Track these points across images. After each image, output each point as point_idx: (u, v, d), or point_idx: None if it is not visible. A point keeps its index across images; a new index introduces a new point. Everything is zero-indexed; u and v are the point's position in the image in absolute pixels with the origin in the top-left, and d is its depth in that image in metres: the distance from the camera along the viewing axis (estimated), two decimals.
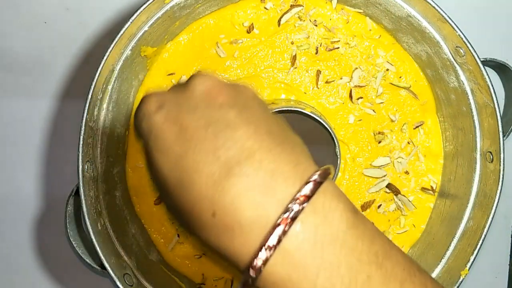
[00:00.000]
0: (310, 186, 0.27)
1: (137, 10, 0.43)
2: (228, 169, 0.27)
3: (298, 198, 0.26)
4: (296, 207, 0.26)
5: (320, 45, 0.51)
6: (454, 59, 0.48)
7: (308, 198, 0.26)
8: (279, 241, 0.26)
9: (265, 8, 0.51)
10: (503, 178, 0.46)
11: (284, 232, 0.26)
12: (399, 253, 0.28)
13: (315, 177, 0.27)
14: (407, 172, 0.52)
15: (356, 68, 0.51)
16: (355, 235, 0.27)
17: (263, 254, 0.26)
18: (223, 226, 0.27)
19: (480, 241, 0.46)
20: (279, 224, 0.26)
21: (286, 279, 0.26)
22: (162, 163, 0.29)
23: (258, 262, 0.26)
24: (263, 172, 0.27)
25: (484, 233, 0.47)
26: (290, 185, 0.27)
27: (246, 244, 0.27)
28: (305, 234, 0.26)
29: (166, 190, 0.29)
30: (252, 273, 0.26)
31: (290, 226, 0.26)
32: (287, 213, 0.26)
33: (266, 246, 0.26)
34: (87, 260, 0.46)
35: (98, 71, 0.43)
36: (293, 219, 0.26)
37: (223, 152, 0.27)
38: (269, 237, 0.26)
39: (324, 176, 0.27)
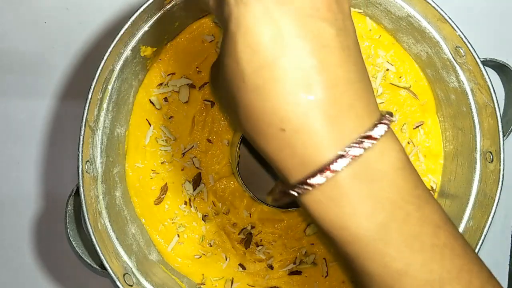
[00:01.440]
0: (382, 128, 0.28)
1: (137, 10, 0.43)
2: (311, 90, 0.27)
3: (365, 137, 0.27)
4: (360, 145, 0.27)
5: None
6: (454, 59, 0.48)
7: (373, 139, 0.27)
8: (333, 170, 0.27)
9: None
10: (503, 178, 0.46)
11: (341, 165, 0.27)
12: (436, 203, 0.30)
13: (387, 121, 0.28)
14: None
15: None
16: (402, 175, 0.28)
17: (316, 180, 0.27)
18: (287, 143, 0.27)
19: (480, 241, 0.46)
20: (339, 157, 0.27)
21: (330, 202, 0.28)
22: (247, 60, 0.27)
23: (313, 182, 0.27)
24: (342, 104, 0.27)
25: (484, 233, 0.47)
26: (361, 122, 0.28)
27: (303, 166, 0.27)
28: (360, 168, 0.27)
29: (237, 87, 0.28)
30: (301, 190, 0.28)
31: (348, 161, 0.27)
32: (350, 149, 0.27)
33: (320, 173, 0.27)
34: (87, 260, 0.46)
35: (98, 71, 0.43)
36: (354, 155, 0.27)
37: (313, 75, 0.27)
38: (326, 166, 0.27)
39: (390, 119, 0.29)
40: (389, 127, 0.28)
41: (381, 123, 0.28)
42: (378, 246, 0.28)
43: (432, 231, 0.29)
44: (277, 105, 0.27)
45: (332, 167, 0.27)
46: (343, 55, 0.27)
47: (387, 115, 0.29)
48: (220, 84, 0.30)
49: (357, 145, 0.27)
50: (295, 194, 0.28)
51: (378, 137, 0.28)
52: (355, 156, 0.27)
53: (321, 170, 0.27)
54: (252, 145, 0.30)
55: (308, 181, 0.27)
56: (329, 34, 0.27)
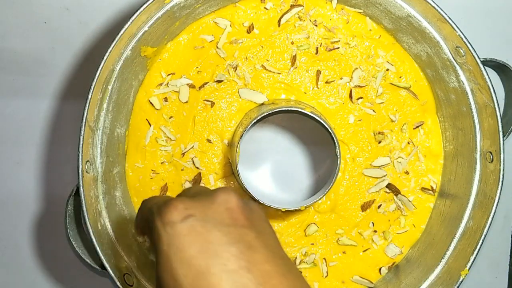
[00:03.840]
0: None
1: (137, 10, 0.43)
2: None
3: None
4: None
5: (320, 45, 0.51)
6: (454, 59, 0.48)
7: None
8: None
9: (265, 8, 0.51)
10: (503, 178, 0.46)
11: None
12: None
13: None
14: (407, 172, 0.52)
15: (356, 68, 0.51)
16: None
17: None
18: None
19: (480, 241, 0.47)
20: None
21: None
22: (182, 274, 0.29)
23: None
24: None
25: (484, 233, 0.47)
26: None
27: None
28: None
29: None
30: None
31: None
32: None
33: None
34: (87, 260, 0.46)
35: (98, 71, 0.43)
36: None
37: (244, 273, 0.29)
38: None
39: None
40: None
41: None
42: None
43: None
44: None
45: None
46: (268, 253, 0.30)
47: None
48: None
49: None
50: None
51: None
52: None
53: None
54: None
55: None
56: (250, 236, 0.30)
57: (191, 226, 0.30)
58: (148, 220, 0.32)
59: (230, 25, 0.50)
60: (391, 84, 0.52)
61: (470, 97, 0.49)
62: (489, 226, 0.46)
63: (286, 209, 0.49)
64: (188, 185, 0.51)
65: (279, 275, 0.29)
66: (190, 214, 0.30)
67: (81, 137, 0.43)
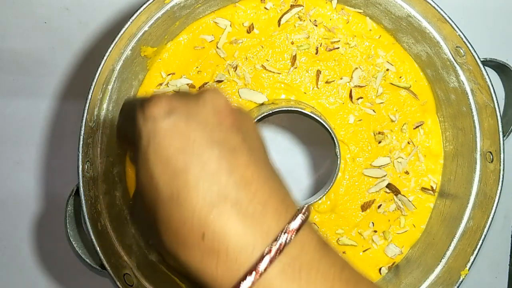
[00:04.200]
0: (298, 220, 0.28)
1: (137, 10, 0.43)
2: (225, 194, 0.27)
3: (285, 231, 0.27)
4: (283, 239, 0.27)
5: (320, 45, 0.51)
6: (454, 59, 0.48)
7: (293, 232, 0.28)
8: (265, 269, 0.27)
9: (265, 8, 0.51)
10: (503, 178, 0.46)
11: (270, 262, 0.27)
12: (366, 280, 0.30)
13: (303, 212, 0.29)
14: (407, 172, 0.52)
15: (356, 68, 0.51)
16: (328, 263, 0.28)
17: (248, 282, 0.26)
18: (210, 249, 0.27)
19: (480, 241, 0.47)
20: (265, 254, 0.27)
21: None
22: (159, 172, 0.28)
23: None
24: (257, 202, 0.28)
25: (484, 233, 0.47)
26: (278, 217, 0.28)
27: (230, 271, 0.27)
28: (285, 263, 0.27)
29: (154, 201, 0.28)
30: None
31: (276, 256, 0.27)
32: (273, 245, 0.27)
33: (249, 274, 0.26)
34: (87, 260, 0.46)
35: (98, 71, 0.43)
36: (280, 249, 0.27)
37: (225, 176, 0.27)
38: (253, 267, 0.26)
39: (307, 213, 0.29)
40: (306, 219, 0.29)
41: (297, 216, 0.28)
42: None
43: None
44: (193, 211, 0.27)
45: (257, 268, 0.26)
46: (251, 157, 0.28)
47: (303, 209, 0.29)
48: (138, 206, 0.30)
49: (277, 241, 0.27)
50: None
51: (297, 229, 0.28)
52: (278, 251, 0.27)
53: (247, 274, 0.27)
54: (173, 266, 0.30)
55: (246, 277, 0.27)
56: (236, 139, 0.29)
57: (173, 122, 0.28)
58: (130, 118, 0.30)
59: (230, 25, 0.50)
60: (391, 84, 0.52)
61: (470, 97, 0.49)
62: (489, 226, 0.46)
63: None
64: None
65: (261, 181, 0.28)
66: (173, 109, 0.28)
67: (81, 137, 0.43)
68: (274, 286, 0.27)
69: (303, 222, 0.28)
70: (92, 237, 0.43)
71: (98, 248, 0.43)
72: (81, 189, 0.43)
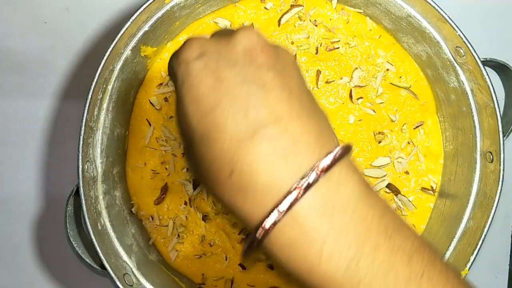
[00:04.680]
0: (329, 158, 0.27)
1: (137, 10, 0.43)
2: (253, 131, 0.27)
3: (315, 168, 0.27)
4: (311, 177, 0.27)
5: (320, 45, 0.51)
6: (454, 59, 0.48)
7: (325, 169, 0.27)
8: (290, 206, 0.26)
9: (265, 8, 0.51)
10: (503, 178, 0.46)
11: (296, 199, 0.26)
12: (409, 230, 0.29)
13: (336, 151, 0.28)
14: (407, 172, 0.52)
15: (356, 68, 0.51)
16: (366, 206, 0.27)
17: (272, 218, 0.27)
18: (238, 186, 0.27)
19: (480, 241, 0.47)
20: (292, 191, 0.26)
21: (292, 243, 0.27)
22: (192, 112, 0.28)
23: (267, 224, 0.27)
24: (287, 138, 0.27)
25: (484, 233, 0.47)
26: (309, 154, 0.27)
27: (258, 206, 0.27)
28: (316, 202, 0.27)
29: (191, 140, 0.29)
30: (259, 234, 0.27)
31: (303, 194, 0.26)
32: (302, 181, 0.26)
33: (276, 210, 0.26)
34: (87, 260, 0.46)
35: (98, 71, 0.43)
36: (307, 187, 0.26)
37: (253, 112, 0.27)
38: (281, 202, 0.26)
39: (344, 151, 0.28)
40: (344, 157, 0.28)
41: (329, 154, 0.27)
42: (352, 286, 0.27)
43: (406, 261, 0.27)
44: (221, 150, 0.27)
45: (282, 205, 0.26)
46: (283, 93, 0.28)
47: (343, 146, 0.28)
48: (187, 147, 0.31)
49: (305, 179, 0.26)
50: (258, 241, 0.27)
51: (327, 168, 0.27)
52: (306, 188, 0.26)
53: (274, 209, 0.26)
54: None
55: (265, 223, 0.27)
56: (267, 76, 0.28)
57: (204, 63, 0.29)
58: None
59: (230, 25, 0.50)
60: (391, 84, 0.52)
61: (470, 97, 0.49)
62: (489, 226, 0.46)
63: None
64: (188, 185, 0.51)
65: (293, 117, 0.28)
66: (204, 52, 0.29)
67: (81, 137, 0.43)
68: (302, 225, 0.27)
69: (336, 161, 0.27)
70: (92, 237, 0.43)
71: (98, 248, 0.43)
72: (81, 189, 0.43)
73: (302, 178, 0.27)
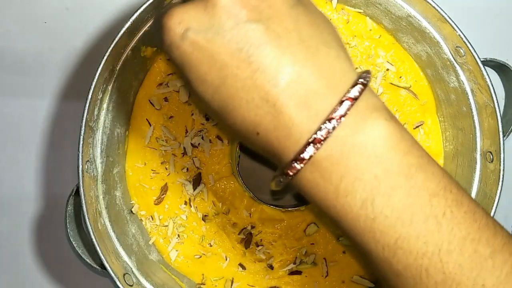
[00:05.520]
0: (344, 106, 0.27)
1: (137, 10, 0.43)
2: (265, 94, 0.28)
3: (332, 116, 0.27)
4: (329, 125, 0.27)
5: None
6: (454, 59, 0.48)
7: (339, 116, 0.27)
8: (310, 155, 0.28)
9: None
10: (503, 178, 0.46)
11: (315, 147, 0.28)
12: (437, 169, 0.29)
13: (350, 93, 0.28)
14: None
15: (356, 68, 0.51)
16: (387, 146, 0.28)
17: (295, 166, 0.28)
18: (266, 141, 0.29)
19: None
20: (310, 143, 0.28)
21: (313, 183, 0.29)
22: (202, 91, 0.29)
23: (292, 171, 0.29)
24: (299, 90, 0.28)
25: None
26: (324, 102, 0.28)
27: (283, 156, 0.29)
28: (333, 146, 0.28)
29: (212, 112, 0.30)
30: (285, 178, 0.29)
31: (322, 141, 0.27)
32: (319, 132, 0.27)
33: (297, 159, 0.28)
34: (87, 260, 0.46)
35: (98, 71, 0.43)
36: (326, 136, 0.27)
37: (259, 75, 0.27)
38: (301, 152, 0.28)
39: (362, 87, 0.28)
40: (359, 96, 0.28)
41: (347, 98, 0.28)
42: (366, 223, 0.28)
43: (426, 201, 0.28)
44: (243, 116, 0.29)
45: (303, 155, 0.28)
46: (281, 43, 0.28)
47: (358, 82, 0.28)
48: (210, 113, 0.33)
49: (323, 127, 0.27)
50: (287, 176, 0.29)
51: (344, 113, 0.27)
52: (323, 139, 0.27)
53: (296, 159, 0.28)
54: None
55: (288, 170, 0.29)
56: (258, 32, 0.27)
57: (191, 42, 0.28)
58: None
59: None
60: (391, 84, 0.52)
61: (470, 97, 0.49)
62: None
63: (286, 209, 0.49)
64: (188, 185, 0.51)
65: (299, 66, 0.28)
66: (186, 27, 0.28)
67: (81, 137, 0.43)
68: (321, 167, 0.28)
69: (352, 103, 0.28)
70: (92, 237, 0.43)
71: (98, 248, 0.43)
72: (81, 189, 0.43)
73: (322, 124, 0.27)
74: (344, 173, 0.28)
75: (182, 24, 0.28)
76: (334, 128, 0.27)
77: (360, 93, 0.28)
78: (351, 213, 0.28)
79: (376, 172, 0.27)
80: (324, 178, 0.28)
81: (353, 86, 0.28)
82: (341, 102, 0.28)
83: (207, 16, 0.28)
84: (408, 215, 0.27)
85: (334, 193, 0.28)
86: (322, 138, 0.27)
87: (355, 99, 0.28)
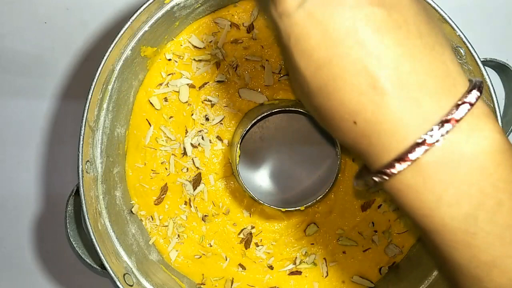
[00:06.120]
0: (462, 110, 0.26)
1: (137, 10, 0.43)
2: (374, 81, 0.26)
3: (444, 120, 0.26)
4: (443, 128, 0.26)
5: None
6: None
7: (455, 120, 0.26)
8: (417, 157, 0.26)
9: None
10: None
11: (422, 151, 0.26)
12: None
13: (467, 98, 0.26)
14: None
15: None
16: (496, 160, 0.26)
17: (397, 167, 0.26)
18: (362, 133, 0.27)
19: None
20: (419, 144, 0.26)
21: (412, 189, 0.27)
22: (304, 66, 0.27)
23: (391, 171, 0.26)
24: (411, 85, 0.26)
25: None
26: (437, 102, 0.26)
27: (382, 152, 0.27)
28: (443, 151, 0.26)
29: (308, 91, 0.28)
30: (380, 178, 0.27)
31: (431, 145, 0.26)
32: (430, 133, 0.26)
33: (401, 160, 0.26)
34: (87, 260, 0.46)
35: (98, 71, 0.43)
36: (438, 137, 0.26)
37: (371, 60, 0.26)
38: (408, 152, 0.26)
39: (479, 93, 0.27)
40: (475, 103, 0.26)
41: (464, 102, 0.26)
42: (465, 237, 0.26)
43: None
44: (343, 100, 0.27)
45: (410, 155, 0.26)
46: (399, 33, 0.26)
47: (475, 87, 0.26)
48: (300, 94, 0.30)
49: (436, 129, 0.26)
50: (383, 176, 0.27)
51: (460, 118, 0.26)
52: (435, 141, 0.26)
53: (399, 159, 0.26)
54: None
55: (387, 169, 0.27)
56: (379, 16, 0.26)
57: (308, 13, 0.26)
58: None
59: (230, 25, 0.50)
60: None
61: None
62: None
63: (286, 209, 0.49)
64: (188, 185, 0.51)
65: (413, 60, 0.26)
66: None
67: (81, 137, 0.43)
68: (426, 175, 0.26)
69: (467, 110, 0.26)
70: (92, 237, 0.43)
71: (98, 248, 0.43)
72: (81, 189, 0.43)
73: (435, 125, 0.26)
74: (450, 183, 0.26)
75: None
76: (447, 131, 0.26)
77: (477, 99, 0.26)
78: (449, 226, 0.27)
79: (484, 186, 0.26)
80: (426, 185, 0.26)
81: (470, 91, 0.26)
82: (457, 105, 0.26)
83: None
84: (509, 233, 0.26)
85: (435, 202, 0.26)
86: (434, 141, 0.25)
87: (471, 104, 0.26)
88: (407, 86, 0.26)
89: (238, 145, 0.48)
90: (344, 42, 0.26)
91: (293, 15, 0.27)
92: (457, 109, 0.26)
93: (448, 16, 0.46)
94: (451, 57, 0.28)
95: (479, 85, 0.27)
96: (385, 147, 0.27)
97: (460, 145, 0.26)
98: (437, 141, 0.26)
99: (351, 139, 0.28)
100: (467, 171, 0.26)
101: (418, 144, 0.26)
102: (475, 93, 0.26)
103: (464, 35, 0.46)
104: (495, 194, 0.26)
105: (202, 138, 0.51)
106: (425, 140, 0.26)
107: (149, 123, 0.50)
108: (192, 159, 0.51)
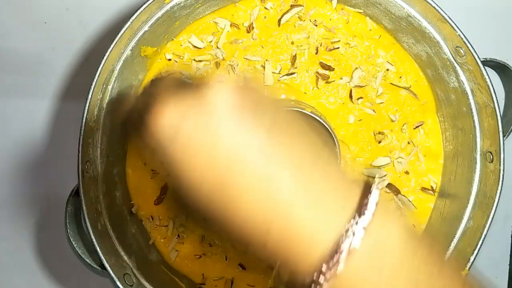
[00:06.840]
0: (367, 216, 0.27)
1: (137, 10, 0.43)
2: (274, 191, 0.27)
3: (352, 226, 0.26)
4: (352, 238, 0.26)
5: (320, 45, 0.51)
6: (454, 59, 0.48)
7: (364, 226, 0.26)
8: (330, 275, 0.26)
9: (265, 8, 0.51)
10: (503, 178, 0.46)
11: (336, 264, 0.26)
12: (457, 264, 0.29)
13: (369, 206, 0.27)
14: (407, 172, 0.52)
15: (356, 68, 0.51)
16: (410, 251, 0.27)
17: (320, 277, 0.26)
18: (278, 240, 0.27)
19: (480, 241, 0.46)
20: (334, 254, 0.26)
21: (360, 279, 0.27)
22: (198, 186, 0.27)
23: (319, 279, 0.27)
24: (313, 194, 0.27)
25: (484, 233, 0.46)
26: (341, 210, 0.27)
27: (303, 260, 0.27)
28: (360, 260, 0.26)
29: (204, 206, 0.28)
30: (308, 285, 0.27)
31: (345, 253, 0.26)
32: (344, 240, 0.26)
33: (322, 270, 0.26)
34: (87, 260, 0.46)
35: (98, 71, 0.43)
36: (349, 249, 0.26)
37: (266, 184, 0.27)
38: (327, 261, 0.26)
39: (373, 199, 0.27)
40: (375, 207, 0.27)
41: (364, 213, 0.27)
42: None
43: None
44: (249, 215, 0.27)
45: (329, 265, 0.26)
46: (283, 150, 0.27)
47: (373, 194, 0.27)
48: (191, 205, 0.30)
49: (348, 238, 0.26)
50: (317, 283, 0.27)
51: (367, 222, 0.27)
52: (348, 249, 0.26)
53: (321, 269, 0.26)
54: None
55: (315, 277, 0.27)
56: (259, 137, 0.27)
57: (186, 142, 0.27)
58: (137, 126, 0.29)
59: (230, 25, 0.50)
60: (391, 84, 0.52)
61: (470, 97, 0.49)
62: (489, 226, 0.46)
63: None
64: None
65: (306, 169, 0.27)
66: (179, 127, 0.27)
67: (81, 137, 0.43)
68: (350, 283, 0.26)
69: (372, 216, 0.27)
70: (92, 237, 0.43)
71: (98, 248, 0.43)
72: (81, 189, 0.43)
73: (343, 233, 0.26)
74: (378, 285, 0.27)
75: (176, 121, 0.27)
76: (357, 239, 0.26)
77: (374, 202, 0.27)
78: None
79: (411, 277, 0.27)
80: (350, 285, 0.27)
81: (364, 203, 0.27)
82: (360, 211, 0.27)
83: (207, 116, 0.27)
84: None
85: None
86: (347, 249, 0.26)
87: (375, 208, 0.27)
88: (310, 195, 0.27)
89: None
90: (233, 168, 0.27)
91: (172, 145, 0.27)
92: (363, 218, 0.27)
93: (448, 16, 0.46)
94: (336, 171, 0.29)
95: (373, 192, 0.27)
96: (306, 254, 0.27)
97: (373, 250, 0.27)
98: (349, 250, 0.26)
99: (268, 248, 0.28)
100: (391, 269, 0.27)
101: (335, 254, 0.26)
102: (371, 199, 0.27)
103: (464, 35, 0.46)
104: (421, 283, 0.27)
105: None
106: (337, 249, 0.26)
107: None
108: None
